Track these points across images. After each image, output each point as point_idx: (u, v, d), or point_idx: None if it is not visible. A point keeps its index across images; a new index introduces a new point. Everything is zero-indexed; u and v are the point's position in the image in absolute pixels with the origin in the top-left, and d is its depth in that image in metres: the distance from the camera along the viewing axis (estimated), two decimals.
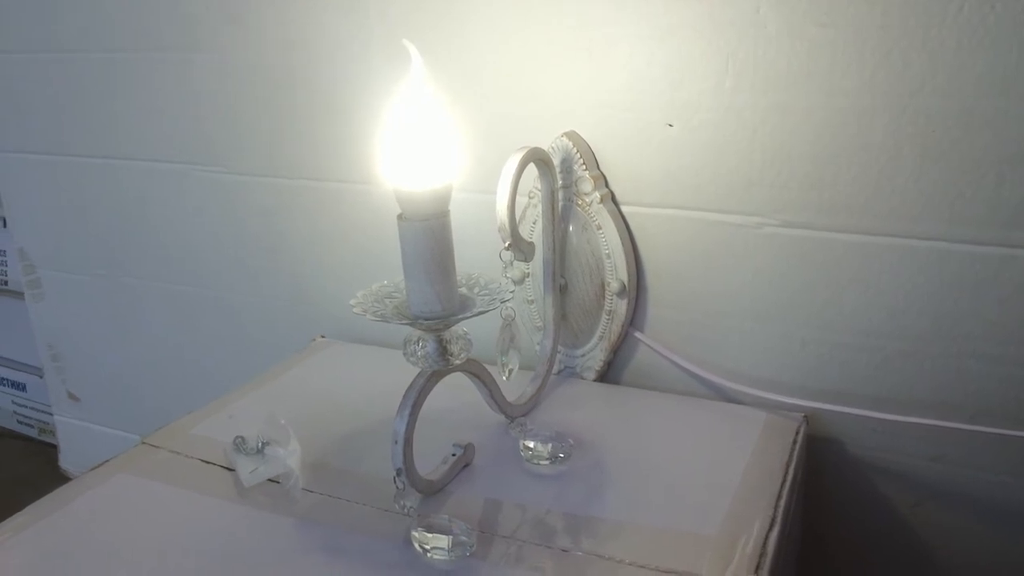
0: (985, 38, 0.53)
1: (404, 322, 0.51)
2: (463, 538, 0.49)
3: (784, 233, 0.63)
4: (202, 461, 0.61)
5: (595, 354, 0.71)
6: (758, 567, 0.48)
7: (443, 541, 0.49)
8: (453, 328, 0.53)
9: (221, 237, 0.89)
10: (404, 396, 0.53)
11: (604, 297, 0.69)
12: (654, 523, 0.52)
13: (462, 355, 0.53)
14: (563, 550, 0.50)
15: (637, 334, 0.70)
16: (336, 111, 0.77)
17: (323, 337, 0.84)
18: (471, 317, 0.51)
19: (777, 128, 0.60)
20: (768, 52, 0.59)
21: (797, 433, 0.62)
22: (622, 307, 0.68)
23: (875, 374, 0.64)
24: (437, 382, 0.54)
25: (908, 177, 0.58)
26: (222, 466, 0.60)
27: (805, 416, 0.65)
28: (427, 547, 0.49)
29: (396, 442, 0.52)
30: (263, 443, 0.61)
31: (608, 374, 0.73)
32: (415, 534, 0.50)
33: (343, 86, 0.76)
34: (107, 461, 0.61)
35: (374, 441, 0.63)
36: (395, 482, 0.52)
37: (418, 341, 0.53)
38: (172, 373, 1.01)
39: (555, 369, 0.72)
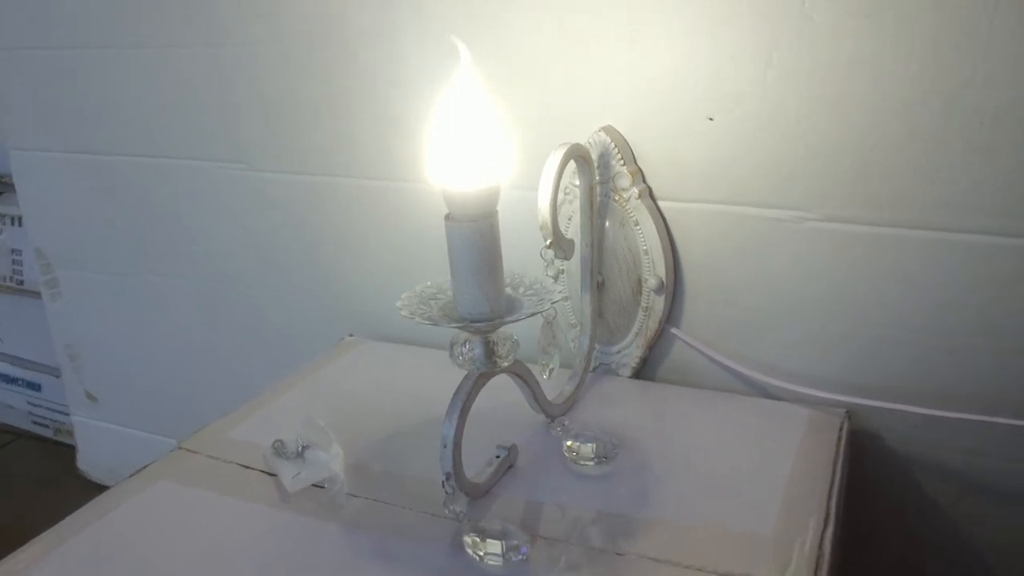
0: None
1: (454, 325, 0.50)
2: (516, 543, 0.49)
3: (825, 227, 0.62)
4: (241, 466, 0.60)
5: (631, 351, 0.71)
6: (817, 567, 0.47)
7: (497, 547, 0.48)
8: (500, 330, 0.52)
9: (245, 235, 0.88)
10: (452, 399, 0.52)
11: (641, 293, 0.68)
12: (707, 523, 0.51)
13: (510, 357, 0.52)
14: (618, 554, 0.49)
15: (674, 330, 0.70)
16: (363, 108, 0.76)
17: (352, 336, 0.83)
18: (521, 320, 0.50)
19: (821, 121, 0.60)
20: (813, 43, 0.58)
21: (841, 429, 0.62)
22: (659, 303, 0.68)
23: (916, 369, 0.63)
24: (484, 384, 0.53)
25: (954, 170, 0.57)
26: (262, 471, 0.59)
27: (847, 412, 0.64)
28: (481, 553, 0.48)
29: (445, 446, 0.51)
30: (303, 446, 0.60)
31: (643, 370, 0.72)
32: (468, 540, 0.49)
33: (372, 82, 0.75)
34: (145, 467, 0.60)
35: (415, 443, 0.62)
36: (444, 487, 0.52)
37: (465, 343, 0.52)
38: (193, 371, 1.00)
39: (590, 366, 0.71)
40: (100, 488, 1.13)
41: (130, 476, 0.59)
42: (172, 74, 0.84)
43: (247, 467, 0.60)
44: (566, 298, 0.71)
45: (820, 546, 0.49)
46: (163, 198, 0.92)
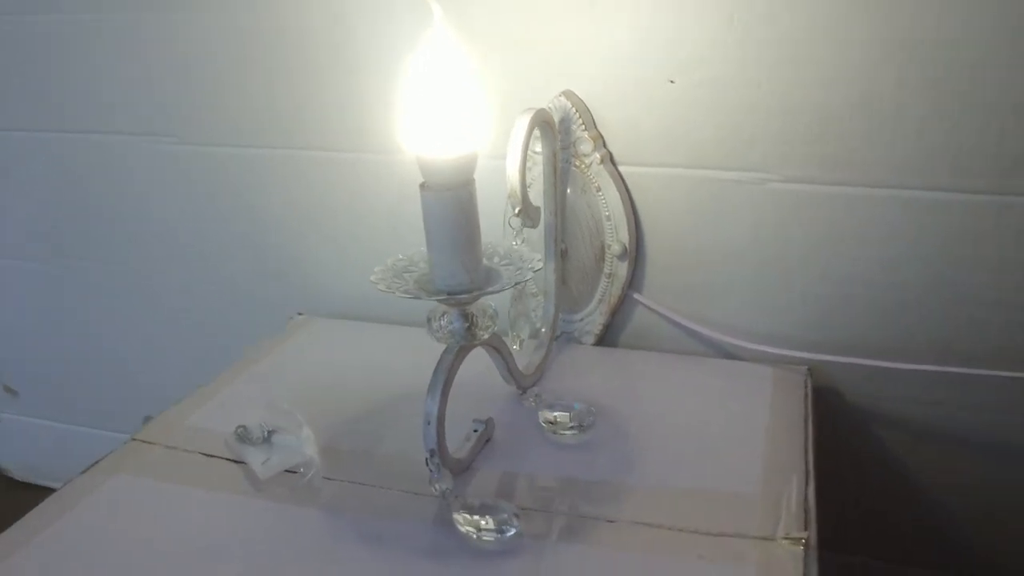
0: None
1: (437, 298, 0.48)
2: (508, 517, 0.48)
3: (786, 188, 0.63)
4: (204, 455, 0.57)
5: (594, 318, 0.70)
6: (806, 524, 0.48)
7: (491, 522, 0.47)
8: (478, 301, 0.51)
9: (176, 213, 0.83)
10: (433, 374, 0.50)
11: (604, 260, 0.68)
12: (693, 486, 0.52)
13: (490, 329, 0.51)
14: (609, 521, 0.49)
15: (636, 295, 0.69)
16: (308, 78, 0.72)
17: (301, 315, 0.80)
18: (503, 290, 0.49)
19: (782, 82, 0.60)
20: (774, 5, 0.58)
21: (806, 386, 0.63)
22: (623, 269, 0.67)
23: (876, 324, 0.65)
24: (464, 357, 0.52)
25: (912, 129, 0.58)
26: (227, 459, 0.57)
27: (809, 368, 0.66)
28: (475, 529, 0.47)
29: (429, 423, 0.50)
30: (269, 431, 0.58)
31: (606, 337, 0.72)
32: (460, 517, 0.48)
33: (307, 45, 0.71)
34: (97, 462, 0.57)
35: (384, 420, 0.61)
36: (428, 464, 0.50)
37: (443, 316, 0.51)
38: (122, 360, 0.95)
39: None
40: (25, 486, 1.08)
41: (83, 472, 0.56)
42: (90, 42, 0.78)
43: (210, 456, 0.57)
44: None
45: (805, 502, 0.50)
46: (77, 177, 0.86)
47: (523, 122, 0.57)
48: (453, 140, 0.47)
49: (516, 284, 0.49)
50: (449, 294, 0.49)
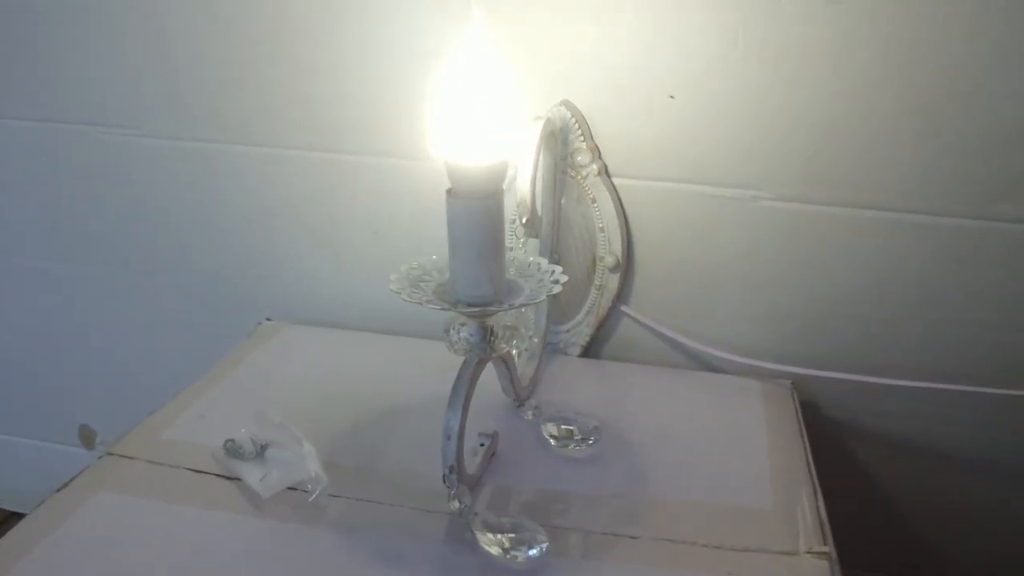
0: (992, 22, 0.56)
1: (468, 311, 0.47)
2: (533, 533, 0.47)
3: (779, 207, 0.64)
4: (191, 471, 0.54)
5: (581, 329, 0.70)
6: (824, 538, 0.49)
7: (520, 540, 0.46)
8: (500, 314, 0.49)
9: (137, 210, 0.78)
10: (454, 388, 0.49)
11: (595, 271, 0.67)
12: (705, 500, 0.52)
13: (512, 341, 0.50)
14: (632, 537, 0.48)
15: (624, 308, 0.69)
16: (281, 71, 0.69)
17: (269, 320, 0.76)
18: (531, 304, 0.48)
19: (782, 102, 0.61)
20: (780, 27, 0.59)
21: (794, 400, 0.64)
22: (613, 281, 0.67)
23: (858, 340, 0.67)
24: (482, 370, 0.50)
25: (904, 152, 0.60)
26: (218, 475, 0.53)
27: (792, 383, 0.67)
28: (500, 548, 0.46)
29: (449, 438, 0.48)
30: (261, 445, 0.54)
31: (590, 348, 0.71)
32: (484, 537, 0.46)
33: (298, 42, 0.68)
34: (73, 479, 0.52)
35: (380, 434, 0.58)
36: (445, 481, 0.49)
37: (462, 328, 0.49)
38: (71, 367, 0.88)
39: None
40: None
41: (58, 490, 0.51)
42: (43, 24, 0.73)
43: (199, 472, 0.54)
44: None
45: (819, 516, 0.50)
46: (24, 169, 0.80)
47: (535, 130, 0.56)
48: (486, 148, 0.46)
49: (546, 297, 0.48)
50: (472, 305, 0.48)
